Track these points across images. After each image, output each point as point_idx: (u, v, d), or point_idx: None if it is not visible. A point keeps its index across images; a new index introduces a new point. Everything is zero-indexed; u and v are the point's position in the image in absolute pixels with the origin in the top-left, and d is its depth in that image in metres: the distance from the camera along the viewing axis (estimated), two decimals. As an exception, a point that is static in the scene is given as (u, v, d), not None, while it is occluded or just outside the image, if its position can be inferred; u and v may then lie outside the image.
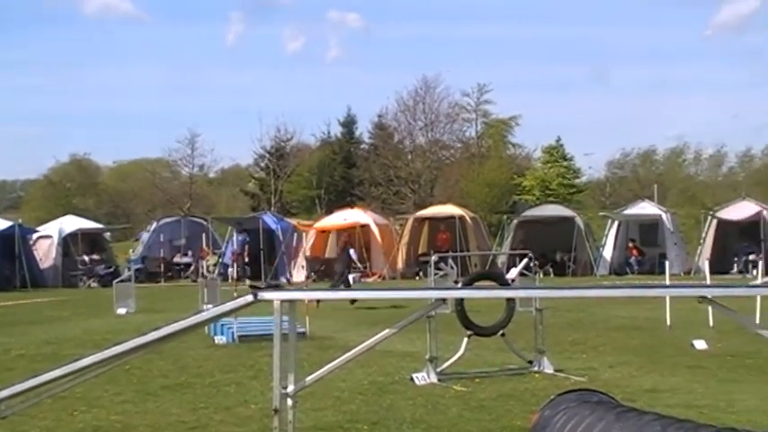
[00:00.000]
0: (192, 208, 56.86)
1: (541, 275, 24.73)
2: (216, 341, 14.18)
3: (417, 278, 31.97)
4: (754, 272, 24.59)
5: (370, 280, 30.93)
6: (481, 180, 55.15)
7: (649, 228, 34.52)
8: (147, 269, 35.39)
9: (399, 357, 11.94)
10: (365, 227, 34.59)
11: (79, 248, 34.61)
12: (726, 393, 9.39)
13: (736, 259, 31.87)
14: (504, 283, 12.17)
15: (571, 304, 18.63)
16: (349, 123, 65.67)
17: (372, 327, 13.01)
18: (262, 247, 34.30)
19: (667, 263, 17.62)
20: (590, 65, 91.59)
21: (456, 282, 17.53)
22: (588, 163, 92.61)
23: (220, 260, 34.88)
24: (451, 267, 18.68)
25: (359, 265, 24.57)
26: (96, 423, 8.50)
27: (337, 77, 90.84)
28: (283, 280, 32.28)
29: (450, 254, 25.52)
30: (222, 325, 14.14)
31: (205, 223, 38.00)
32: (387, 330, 5.06)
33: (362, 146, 65.46)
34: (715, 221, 32.74)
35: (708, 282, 16.11)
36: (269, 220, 36.30)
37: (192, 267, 35.73)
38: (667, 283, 14.99)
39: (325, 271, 33.38)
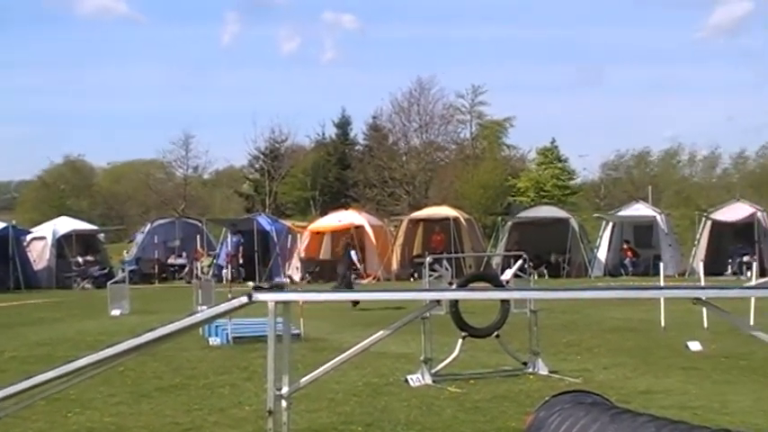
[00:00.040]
0: (186, 209, 56.86)
1: (536, 277, 24.67)
2: (210, 343, 14.16)
3: (412, 280, 31.96)
4: (749, 273, 24.62)
5: (364, 281, 30.91)
6: (476, 181, 55.18)
7: (644, 229, 34.56)
8: (142, 270, 35.34)
9: (394, 359, 11.93)
10: (360, 228, 34.57)
11: (73, 250, 34.55)
12: (720, 395, 9.40)
13: (730, 261, 31.95)
14: (499, 285, 12.16)
15: (566, 306, 18.63)
16: (344, 125, 65.73)
17: (367, 328, 13.00)
18: (256, 248, 34.25)
19: (662, 264, 17.66)
20: (584, 66, 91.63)
21: (450, 283, 17.56)
22: (583, 164, 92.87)
23: (215, 261, 34.83)
24: (446, 269, 18.71)
25: (359, 266, 24.57)
26: (90, 425, 8.48)
27: (332, 79, 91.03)
28: (286, 280, 32.21)
29: (445, 255, 25.59)
30: (216, 326, 14.14)
31: (199, 225, 38.00)
32: (381, 332, 5.06)
33: (357, 147, 65.52)
34: (709, 223, 32.80)
35: (702, 283, 16.09)
36: (263, 221, 36.29)
37: (187, 269, 35.68)
38: (662, 284, 15.04)
39: (319, 272, 33.44)
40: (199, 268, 28.44)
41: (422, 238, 36.50)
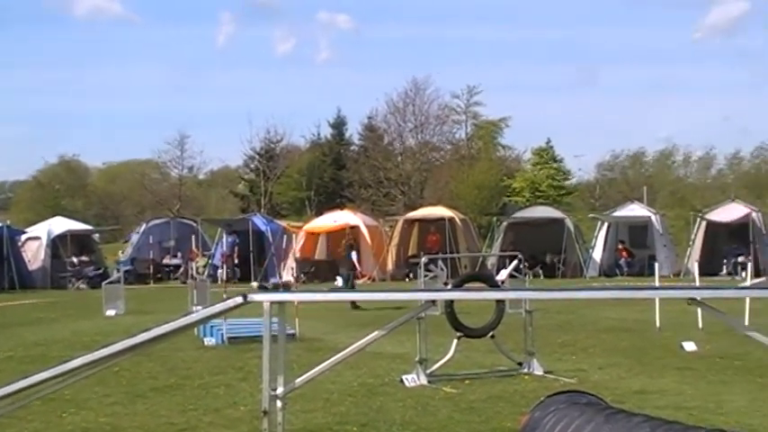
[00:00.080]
0: (181, 209, 56.76)
1: (531, 277, 24.79)
2: (205, 343, 14.15)
3: (407, 280, 31.95)
4: (743, 274, 24.63)
5: (360, 282, 30.89)
6: (471, 182, 55.18)
7: (639, 229, 34.62)
8: (137, 271, 35.27)
9: (389, 359, 11.94)
10: (355, 228, 34.53)
11: (68, 250, 34.48)
12: (715, 395, 9.42)
13: (725, 261, 32.00)
14: (494, 285, 12.18)
15: (561, 306, 18.65)
16: (339, 125, 65.66)
17: (362, 328, 13.01)
18: (251, 248, 34.24)
19: (657, 264, 17.70)
20: (580, 67, 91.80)
21: (446, 283, 17.57)
22: (578, 165, 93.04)
23: (210, 262, 34.81)
24: (441, 269, 18.70)
25: (359, 267, 24.59)
26: (85, 425, 8.47)
27: (327, 79, 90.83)
28: (290, 279, 32.11)
29: (440, 255, 25.60)
30: (212, 327, 14.12)
31: (194, 225, 37.96)
32: (376, 332, 5.05)
33: (352, 147, 65.43)
34: (704, 223, 32.85)
35: (697, 283, 16.12)
36: (258, 221, 36.24)
37: (182, 269, 35.61)
38: (657, 284, 15.05)
39: (315, 273, 33.41)
40: (194, 268, 28.33)
41: (417, 239, 36.53)
